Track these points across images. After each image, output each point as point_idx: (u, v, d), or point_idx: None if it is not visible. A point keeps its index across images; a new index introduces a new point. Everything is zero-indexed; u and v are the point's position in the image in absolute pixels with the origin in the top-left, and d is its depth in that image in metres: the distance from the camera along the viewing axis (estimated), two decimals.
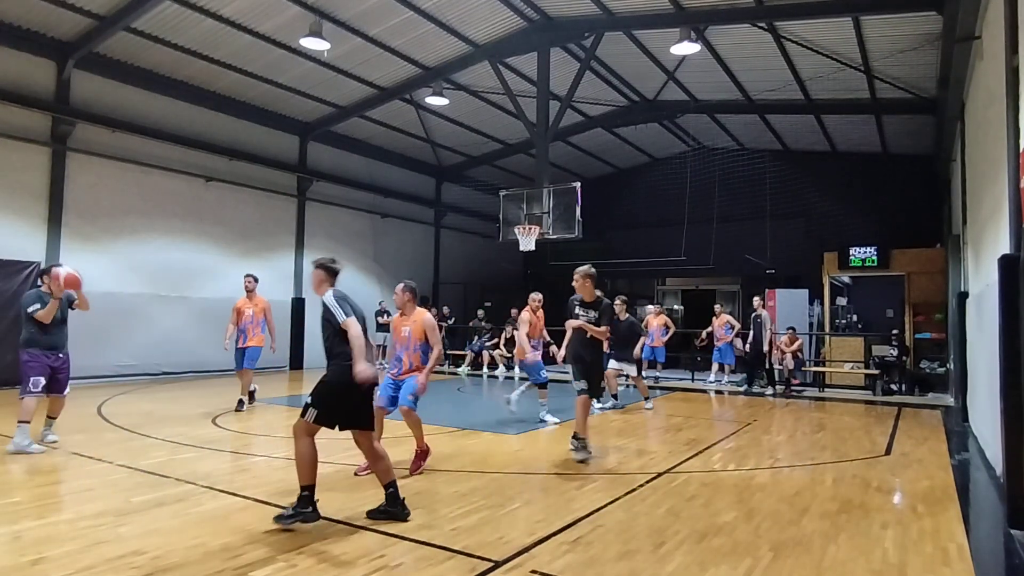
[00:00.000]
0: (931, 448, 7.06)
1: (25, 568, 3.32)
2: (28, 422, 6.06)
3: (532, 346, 8.52)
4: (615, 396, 9.92)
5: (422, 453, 5.70)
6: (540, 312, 8.79)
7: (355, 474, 5.45)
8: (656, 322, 13.37)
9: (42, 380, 6.23)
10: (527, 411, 8.37)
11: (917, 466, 6.16)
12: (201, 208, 13.80)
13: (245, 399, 8.82)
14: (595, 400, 9.70)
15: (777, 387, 12.39)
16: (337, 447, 6.52)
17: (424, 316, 5.72)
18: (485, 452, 6.48)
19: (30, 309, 6.20)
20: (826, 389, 13.02)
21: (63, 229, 11.49)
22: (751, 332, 12.56)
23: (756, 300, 12.84)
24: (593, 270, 6.30)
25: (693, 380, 14.05)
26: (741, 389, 12.57)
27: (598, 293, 6.40)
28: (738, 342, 13.68)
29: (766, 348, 12.24)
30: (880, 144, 16.20)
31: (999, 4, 5.33)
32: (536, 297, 8.74)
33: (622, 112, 16.50)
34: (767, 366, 12.44)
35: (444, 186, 20.45)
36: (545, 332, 8.98)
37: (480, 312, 17.33)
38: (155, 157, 12.88)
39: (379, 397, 5.55)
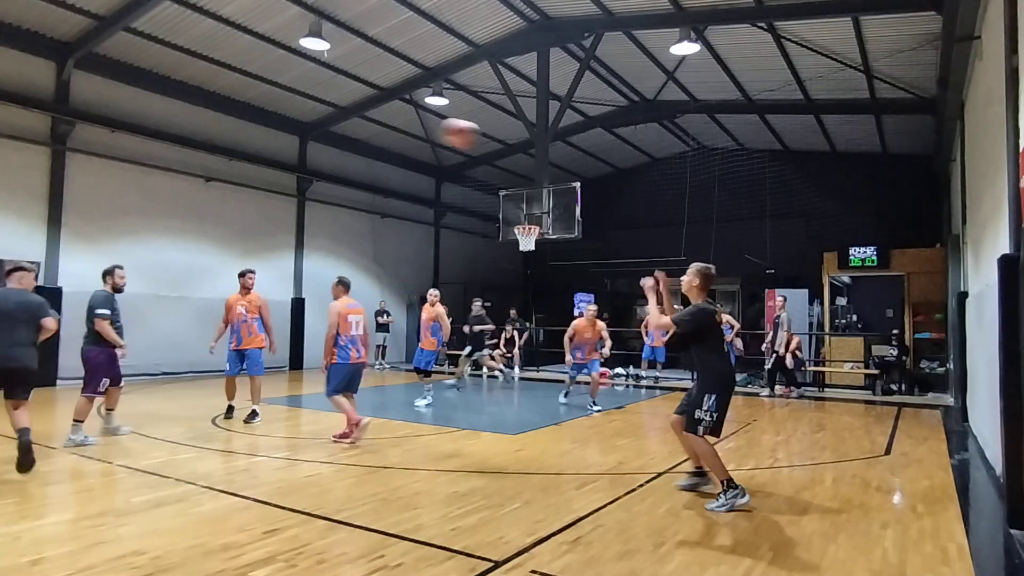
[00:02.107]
0: (931, 448, 7.06)
1: (25, 568, 3.31)
2: (83, 422, 6.30)
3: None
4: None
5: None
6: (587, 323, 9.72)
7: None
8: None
9: (107, 381, 6.57)
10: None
11: (917, 466, 6.16)
12: (201, 208, 13.80)
13: (256, 408, 7.85)
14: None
15: (776, 388, 12.32)
16: (337, 447, 6.53)
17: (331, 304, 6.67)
18: (485, 452, 6.47)
19: (99, 311, 6.54)
20: (826, 389, 13.02)
21: (63, 229, 11.49)
22: (771, 333, 12.15)
23: (779, 299, 12.31)
24: (709, 269, 4.95)
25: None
26: (765, 393, 12.10)
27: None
28: (738, 342, 13.63)
29: (779, 350, 11.85)
30: (880, 144, 16.20)
31: (999, 4, 5.32)
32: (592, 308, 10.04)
33: (622, 112, 16.49)
34: (768, 366, 12.23)
35: (444, 186, 20.44)
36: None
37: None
38: (155, 157, 12.88)
39: None
